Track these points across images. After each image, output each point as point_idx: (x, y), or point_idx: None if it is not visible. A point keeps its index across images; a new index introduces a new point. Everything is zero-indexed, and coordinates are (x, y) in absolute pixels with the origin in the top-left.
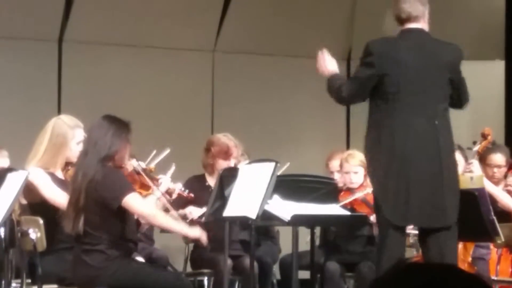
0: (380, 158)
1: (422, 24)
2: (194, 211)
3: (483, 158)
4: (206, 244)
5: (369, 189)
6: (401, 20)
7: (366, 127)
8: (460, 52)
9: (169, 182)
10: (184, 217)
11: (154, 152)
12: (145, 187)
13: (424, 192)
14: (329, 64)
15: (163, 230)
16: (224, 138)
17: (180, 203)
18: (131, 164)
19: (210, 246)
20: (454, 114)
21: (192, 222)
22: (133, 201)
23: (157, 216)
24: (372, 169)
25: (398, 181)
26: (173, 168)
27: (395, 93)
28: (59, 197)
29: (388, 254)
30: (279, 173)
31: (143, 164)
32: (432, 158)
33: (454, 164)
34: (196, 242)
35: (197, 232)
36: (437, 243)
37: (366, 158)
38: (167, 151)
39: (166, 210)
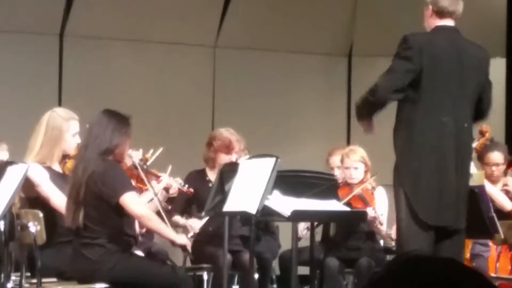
0: (412, 157)
1: (454, 24)
2: (195, 224)
3: (481, 157)
4: (189, 253)
5: (367, 184)
6: (442, 15)
7: (395, 122)
8: (488, 54)
9: (168, 180)
10: (185, 229)
11: (151, 151)
12: (143, 182)
13: (453, 194)
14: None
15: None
16: (226, 133)
17: (182, 201)
18: (130, 157)
19: (193, 258)
20: None
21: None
22: (129, 201)
23: (150, 219)
24: (403, 167)
25: (432, 181)
26: (169, 168)
27: (430, 90)
28: (57, 198)
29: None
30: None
31: (138, 154)
32: (460, 161)
33: (469, 170)
34: (182, 249)
35: (184, 240)
36: (450, 244)
37: (396, 156)
38: (160, 150)
39: (159, 213)
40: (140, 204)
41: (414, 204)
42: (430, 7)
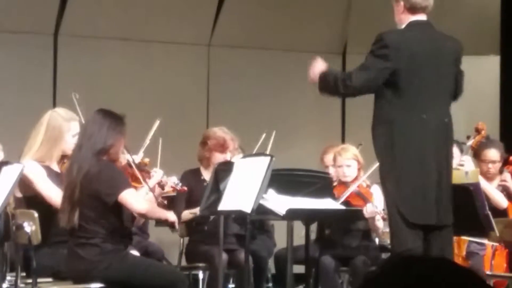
0: (394, 157)
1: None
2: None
3: (477, 154)
4: (176, 230)
5: (362, 181)
6: (415, 10)
7: (373, 121)
8: (461, 45)
9: (161, 176)
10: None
11: (147, 142)
12: (137, 180)
13: (437, 191)
14: (317, 67)
15: (158, 224)
16: (220, 132)
17: (181, 202)
18: (125, 157)
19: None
20: None
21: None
22: (129, 198)
23: (150, 211)
24: (386, 168)
25: (415, 180)
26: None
27: (409, 88)
28: (54, 194)
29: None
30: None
31: (136, 158)
32: (443, 157)
33: (452, 165)
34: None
35: (175, 217)
36: (439, 240)
37: (378, 157)
38: (157, 123)
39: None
40: (140, 200)
41: (399, 204)
42: (402, 3)
